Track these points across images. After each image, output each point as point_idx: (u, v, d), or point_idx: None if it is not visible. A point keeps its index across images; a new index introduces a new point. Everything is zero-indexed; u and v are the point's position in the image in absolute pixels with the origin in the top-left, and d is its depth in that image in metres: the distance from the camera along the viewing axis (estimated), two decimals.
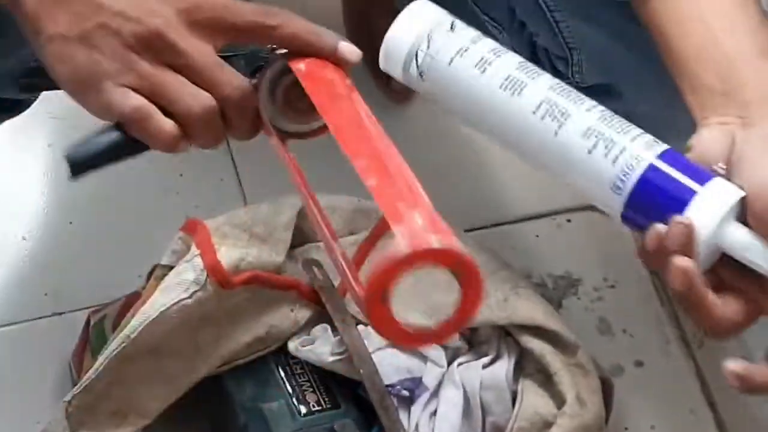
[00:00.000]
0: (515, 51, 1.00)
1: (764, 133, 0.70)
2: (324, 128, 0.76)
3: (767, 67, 0.72)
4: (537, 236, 1.28)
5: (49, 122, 1.32)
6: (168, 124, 0.72)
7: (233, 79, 0.72)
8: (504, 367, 1.03)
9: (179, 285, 0.95)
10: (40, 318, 1.19)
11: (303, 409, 1.00)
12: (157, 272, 0.99)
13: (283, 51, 0.75)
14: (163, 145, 0.72)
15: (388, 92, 1.26)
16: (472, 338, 1.05)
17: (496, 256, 1.08)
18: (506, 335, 1.05)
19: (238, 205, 1.17)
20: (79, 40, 0.71)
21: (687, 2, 0.76)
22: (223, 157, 1.30)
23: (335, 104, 0.71)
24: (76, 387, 0.97)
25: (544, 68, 0.97)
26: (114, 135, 0.73)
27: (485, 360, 1.03)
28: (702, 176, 0.69)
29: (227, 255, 0.96)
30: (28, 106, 1.00)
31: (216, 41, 0.73)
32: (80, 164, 0.73)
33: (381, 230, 1.04)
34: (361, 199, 1.05)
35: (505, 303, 1.03)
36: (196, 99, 0.72)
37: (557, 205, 1.30)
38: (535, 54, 0.98)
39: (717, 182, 0.69)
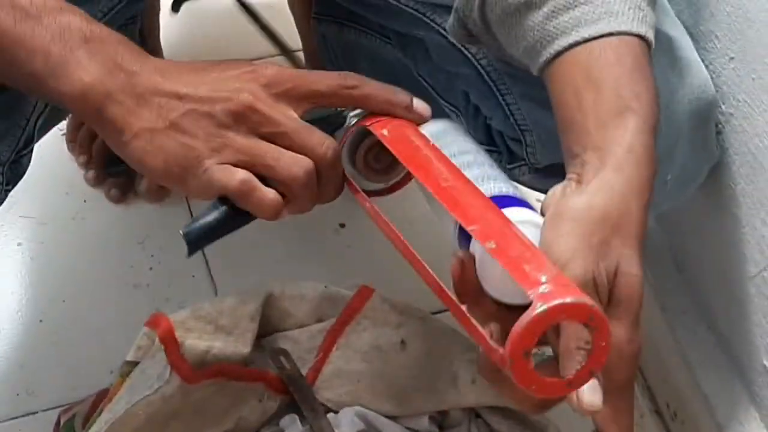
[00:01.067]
0: (472, 134, 1.02)
1: (573, 203, 0.69)
2: (398, 185, 0.81)
3: (616, 130, 0.71)
4: None
5: (19, 221, 1.33)
6: (271, 193, 0.75)
7: (325, 140, 0.76)
8: None
9: (144, 381, 0.95)
10: (13, 419, 1.19)
11: None
12: (124, 368, 0.99)
13: (358, 112, 0.79)
14: (269, 213, 0.75)
15: None
16: (442, 422, 1.04)
17: (463, 337, 1.08)
18: (476, 417, 1.05)
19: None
20: (167, 129, 0.74)
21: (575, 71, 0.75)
22: None
23: (429, 170, 0.73)
24: None
25: (500, 151, 0.99)
26: (222, 210, 0.76)
27: None
28: None
29: (192, 349, 0.96)
30: None
31: (299, 108, 0.76)
32: (196, 242, 0.76)
33: (348, 317, 1.04)
34: (328, 286, 1.06)
35: (473, 385, 1.03)
36: (297, 163, 0.75)
37: None
38: (490, 137, 0.99)
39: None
